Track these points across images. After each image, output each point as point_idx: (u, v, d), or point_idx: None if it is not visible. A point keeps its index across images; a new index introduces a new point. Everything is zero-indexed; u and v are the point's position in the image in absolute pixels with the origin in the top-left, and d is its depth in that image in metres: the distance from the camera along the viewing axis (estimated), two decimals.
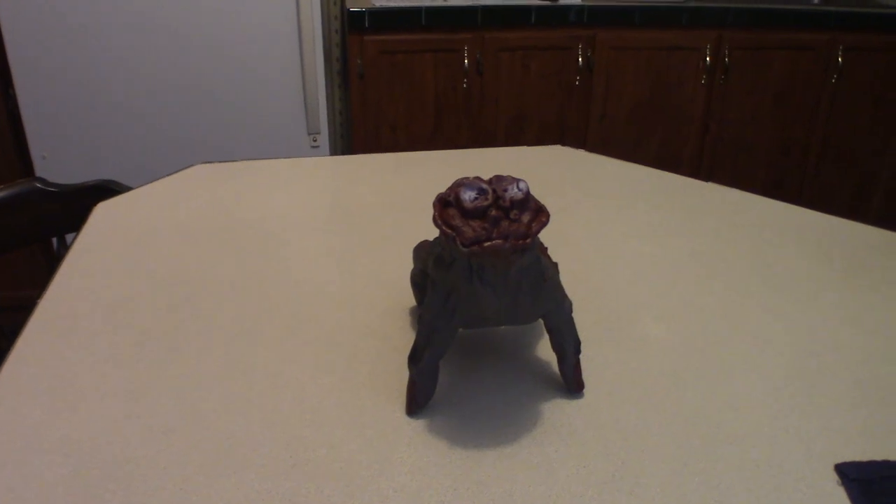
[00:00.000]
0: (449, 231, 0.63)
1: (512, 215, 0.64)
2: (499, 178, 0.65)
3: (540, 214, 0.65)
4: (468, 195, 0.63)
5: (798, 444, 0.73)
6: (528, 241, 0.63)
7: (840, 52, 2.58)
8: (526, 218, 0.64)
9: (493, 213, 0.63)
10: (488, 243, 0.62)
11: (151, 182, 1.27)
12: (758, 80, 2.60)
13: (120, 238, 1.08)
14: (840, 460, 0.71)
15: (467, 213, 0.63)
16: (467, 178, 0.65)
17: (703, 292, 0.98)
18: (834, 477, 0.69)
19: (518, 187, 0.64)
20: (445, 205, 0.65)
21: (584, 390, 0.79)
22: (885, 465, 0.70)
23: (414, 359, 0.73)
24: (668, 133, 2.65)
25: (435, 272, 0.71)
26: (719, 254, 1.08)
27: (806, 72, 2.61)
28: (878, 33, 2.58)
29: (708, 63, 2.55)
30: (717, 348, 0.87)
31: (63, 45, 2.12)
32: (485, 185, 0.65)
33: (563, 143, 1.47)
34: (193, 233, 1.10)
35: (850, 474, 0.68)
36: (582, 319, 0.91)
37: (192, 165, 1.33)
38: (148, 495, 0.65)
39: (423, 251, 0.83)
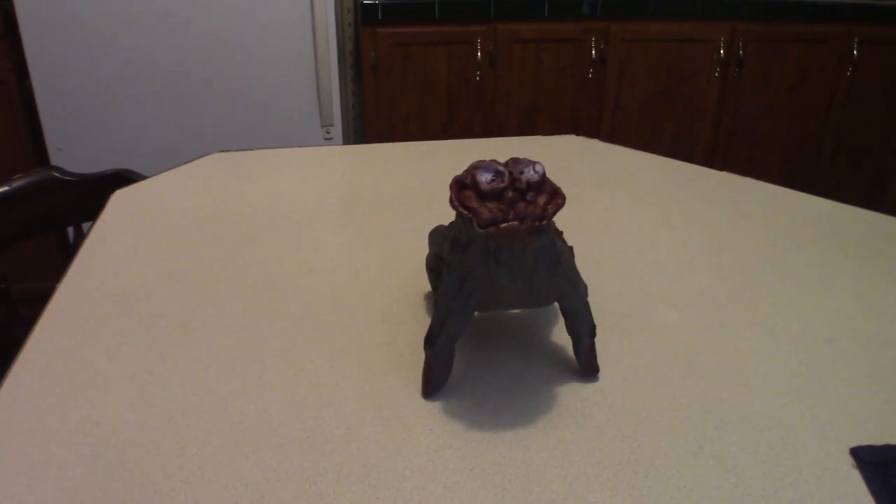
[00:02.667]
0: (465, 212, 0.64)
1: (528, 197, 0.64)
2: (515, 161, 0.66)
3: (556, 197, 0.65)
4: (485, 177, 0.64)
5: (813, 429, 0.73)
6: (545, 222, 0.63)
7: (855, 45, 2.56)
8: (542, 200, 0.64)
9: (510, 194, 0.64)
10: (505, 224, 0.62)
11: (168, 170, 1.28)
12: (772, 73, 2.59)
13: (136, 225, 1.09)
14: (855, 444, 0.71)
15: (484, 195, 0.64)
16: (484, 161, 0.65)
17: (718, 279, 0.98)
18: (849, 460, 0.69)
19: (534, 170, 0.65)
20: (462, 187, 0.66)
21: (599, 374, 0.79)
22: None
23: (430, 341, 0.73)
24: (681, 126, 2.65)
25: (451, 255, 0.71)
26: (733, 241, 1.07)
27: (820, 64, 2.59)
28: (894, 26, 2.56)
29: (722, 55, 2.54)
30: (732, 335, 0.87)
31: (78, 38, 2.13)
32: (501, 168, 0.65)
33: (577, 135, 1.47)
34: (209, 220, 1.10)
35: (865, 458, 0.68)
36: (597, 305, 0.91)
37: (208, 154, 1.33)
38: (166, 475, 0.66)
39: (438, 235, 0.84)
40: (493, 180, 0.64)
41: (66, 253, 1.54)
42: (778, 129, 2.68)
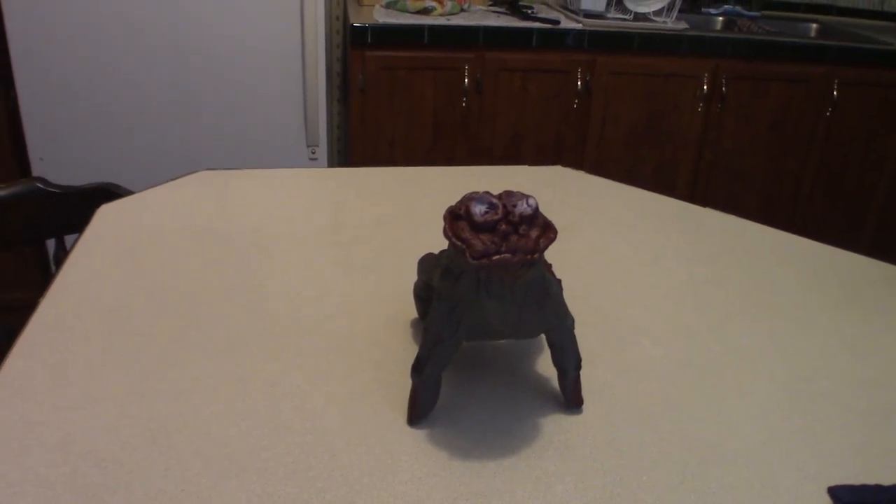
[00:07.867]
0: (459, 243, 0.64)
1: (521, 230, 0.65)
2: (509, 194, 0.66)
3: (548, 231, 0.66)
4: (479, 209, 0.65)
5: (792, 467, 0.74)
6: (536, 255, 0.64)
7: (835, 86, 2.61)
8: (534, 233, 0.65)
9: (503, 227, 0.64)
10: (497, 257, 0.63)
11: (155, 186, 1.27)
12: (753, 110, 2.63)
13: (122, 241, 1.09)
14: (833, 483, 0.72)
15: (477, 227, 0.64)
16: (478, 193, 0.66)
17: (699, 316, 0.99)
18: (827, 500, 0.70)
19: (527, 203, 0.66)
20: (456, 217, 0.66)
21: (583, 407, 0.80)
22: (877, 489, 0.71)
23: (417, 369, 0.73)
24: (663, 158, 2.68)
25: (441, 284, 0.72)
26: (716, 278, 1.09)
27: (801, 104, 2.64)
28: (873, 68, 2.61)
29: (705, 91, 2.58)
30: (714, 371, 0.88)
31: (66, 52, 2.13)
32: (495, 200, 0.66)
33: (560, 165, 1.48)
34: (196, 239, 1.10)
35: (842, 497, 0.69)
36: (582, 337, 0.92)
37: (195, 171, 1.33)
38: (148, 497, 0.65)
39: (428, 263, 0.84)
40: (486, 212, 0.65)
41: (44, 264, 1.53)
42: (758, 164, 2.72)
